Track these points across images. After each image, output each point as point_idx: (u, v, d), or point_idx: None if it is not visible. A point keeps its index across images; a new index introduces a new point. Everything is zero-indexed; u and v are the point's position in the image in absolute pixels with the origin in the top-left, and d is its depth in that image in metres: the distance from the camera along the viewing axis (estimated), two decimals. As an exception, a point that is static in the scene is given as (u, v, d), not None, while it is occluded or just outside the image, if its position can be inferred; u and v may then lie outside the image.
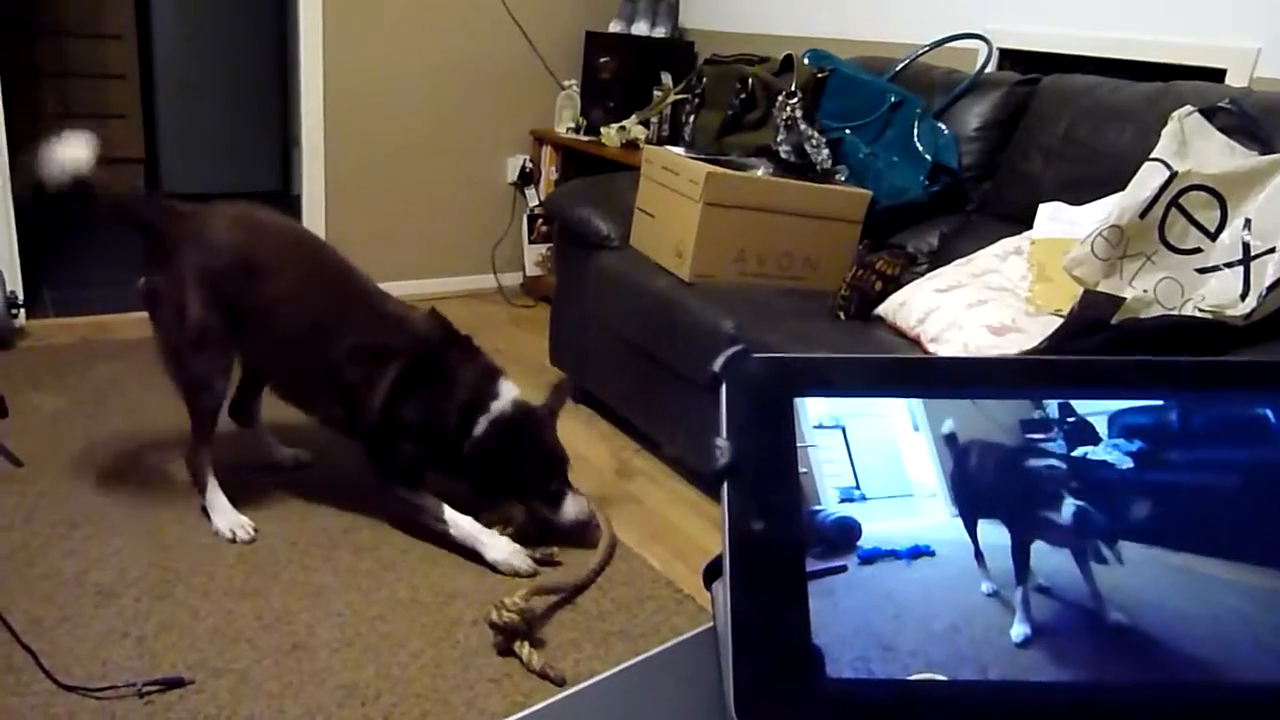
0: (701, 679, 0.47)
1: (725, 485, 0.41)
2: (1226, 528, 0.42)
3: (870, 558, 0.42)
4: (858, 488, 0.43)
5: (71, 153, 2.06)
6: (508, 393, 2.30)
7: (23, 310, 3.35)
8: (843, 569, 0.41)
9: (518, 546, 2.25)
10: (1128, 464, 0.42)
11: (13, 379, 2.93)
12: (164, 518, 2.31)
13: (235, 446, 2.54)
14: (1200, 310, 1.89)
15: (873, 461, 0.43)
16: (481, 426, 2.25)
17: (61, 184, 2.05)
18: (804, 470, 0.43)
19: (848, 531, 0.42)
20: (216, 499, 2.29)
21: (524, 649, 1.92)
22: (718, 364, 0.43)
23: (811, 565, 0.41)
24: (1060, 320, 2.03)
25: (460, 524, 2.25)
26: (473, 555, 2.25)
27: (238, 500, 2.33)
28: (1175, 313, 1.93)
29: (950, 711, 0.39)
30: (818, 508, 0.43)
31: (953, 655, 0.40)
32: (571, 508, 2.33)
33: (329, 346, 2.23)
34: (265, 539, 2.27)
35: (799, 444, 0.43)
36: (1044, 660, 0.40)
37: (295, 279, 2.25)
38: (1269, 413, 0.43)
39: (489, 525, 2.29)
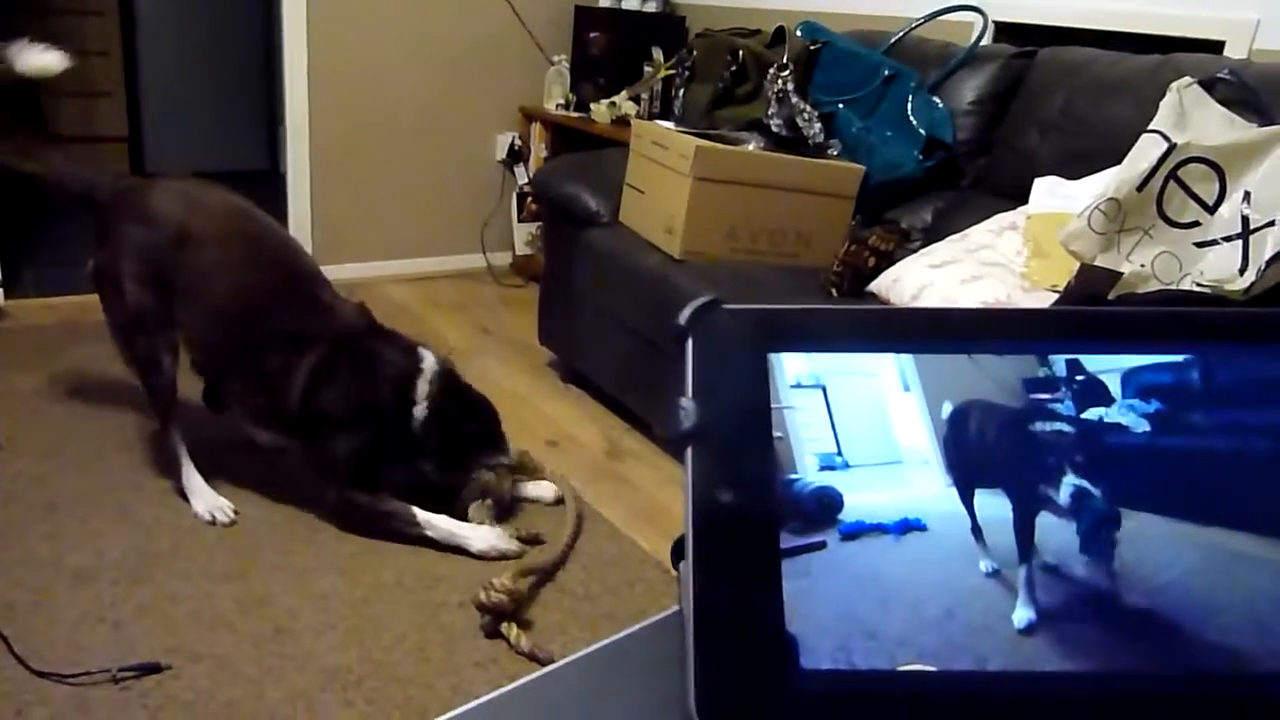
0: (673, 662, 0.42)
1: (689, 451, 0.37)
2: (1256, 499, 0.37)
3: (853, 533, 0.37)
4: (840, 454, 0.39)
5: (41, 58, 2.09)
6: (430, 360, 2.24)
7: (1, 290, 3.30)
8: (821, 546, 0.37)
9: (499, 530, 2.21)
10: (1144, 427, 0.38)
11: (-10, 360, 2.89)
12: (143, 500, 2.27)
13: (214, 427, 2.50)
14: (1199, 285, 1.85)
15: (857, 425, 0.39)
16: (422, 403, 2.18)
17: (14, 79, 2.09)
18: (779, 434, 0.38)
19: (828, 503, 0.38)
20: (193, 482, 2.25)
21: (511, 630, 1.89)
22: (684, 315, 0.38)
23: (786, 542, 0.36)
24: (1056, 296, 2.00)
25: (436, 524, 2.19)
26: (453, 548, 2.19)
27: (217, 482, 2.29)
28: (1173, 287, 1.89)
29: (943, 706, 0.35)
30: (794, 476, 0.38)
31: (946, 643, 0.36)
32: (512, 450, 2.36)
33: (253, 329, 2.15)
34: (246, 522, 2.23)
35: (774, 405, 0.38)
36: (1050, 648, 0.35)
37: (227, 254, 2.17)
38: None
39: (460, 519, 2.22)
